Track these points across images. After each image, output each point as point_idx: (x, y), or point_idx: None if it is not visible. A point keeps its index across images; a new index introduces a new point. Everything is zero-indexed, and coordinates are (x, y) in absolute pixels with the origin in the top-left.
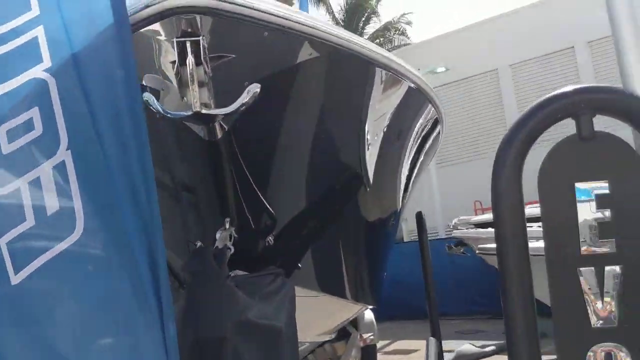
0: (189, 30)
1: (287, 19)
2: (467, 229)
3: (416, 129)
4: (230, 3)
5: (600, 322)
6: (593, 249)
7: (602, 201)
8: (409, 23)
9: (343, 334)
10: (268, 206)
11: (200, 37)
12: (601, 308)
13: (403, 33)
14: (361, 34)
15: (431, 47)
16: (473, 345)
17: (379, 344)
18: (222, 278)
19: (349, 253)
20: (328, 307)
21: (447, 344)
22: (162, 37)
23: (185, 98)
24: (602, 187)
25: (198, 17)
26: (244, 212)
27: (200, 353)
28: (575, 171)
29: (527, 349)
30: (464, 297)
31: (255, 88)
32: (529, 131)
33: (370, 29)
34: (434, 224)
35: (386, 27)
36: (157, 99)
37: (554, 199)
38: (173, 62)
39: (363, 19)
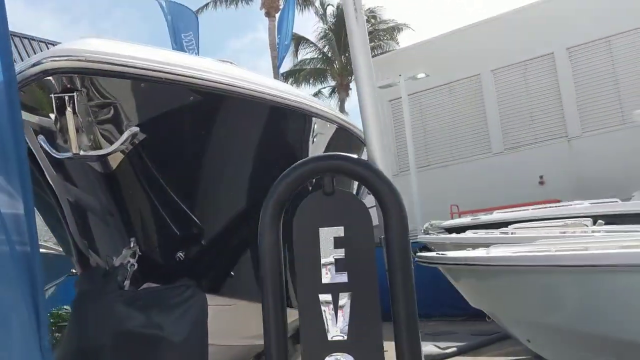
0: (68, 86)
1: (157, 71)
2: (437, 233)
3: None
4: (98, 62)
5: (334, 336)
6: (331, 279)
7: (338, 242)
8: (397, 28)
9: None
10: (172, 226)
11: (75, 93)
12: (335, 325)
13: (392, 38)
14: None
15: (414, 52)
16: (437, 346)
17: None
18: (106, 293)
19: None
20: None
21: None
22: (47, 92)
23: (66, 142)
24: (339, 231)
25: (73, 76)
26: (153, 232)
27: None
28: (320, 219)
29: (277, 354)
30: (442, 300)
31: (134, 130)
32: (286, 186)
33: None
34: (414, 226)
35: (373, 32)
36: (50, 142)
37: (303, 240)
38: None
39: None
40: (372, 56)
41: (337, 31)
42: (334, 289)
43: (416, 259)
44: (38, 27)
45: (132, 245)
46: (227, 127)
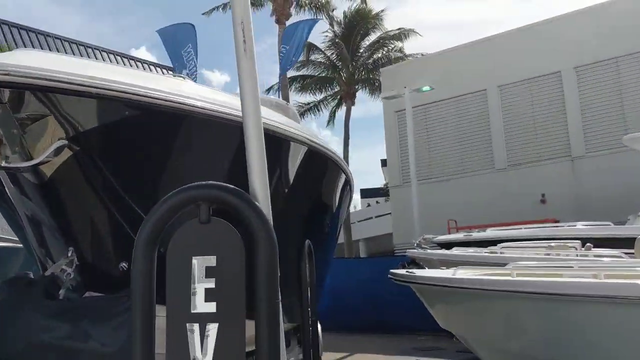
0: None
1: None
2: (430, 248)
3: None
4: (23, 77)
5: None
6: (200, 309)
7: (209, 272)
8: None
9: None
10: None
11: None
12: (201, 356)
13: (400, 49)
14: (358, 48)
15: (421, 64)
16: None
17: (341, 355)
18: (24, 303)
19: None
20: None
21: None
22: None
23: None
24: (211, 260)
25: None
26: (93, 242)
27: None
28: (194, 248)
29: None
30: (430, 314)
31: (61, 143)
32: (161, 214)
33: (367, 41)
34: (412, 239)
35: (380, 41)
36: None
37: (176, 268)
38: None
39: (361, 33)
40: (381, 65)
41: (346, 39)
42: (202, 319)
43: (389, 276)
44: (61, 23)
45: (69, 255)
46: (160, 138)
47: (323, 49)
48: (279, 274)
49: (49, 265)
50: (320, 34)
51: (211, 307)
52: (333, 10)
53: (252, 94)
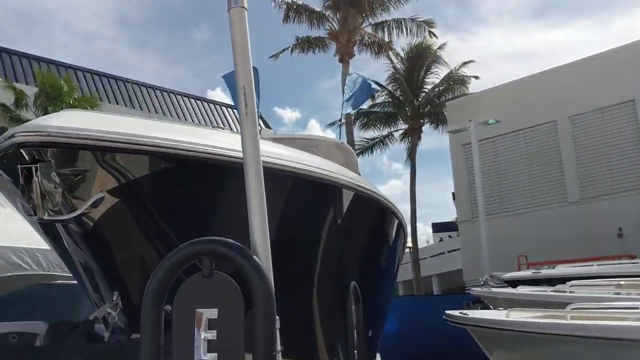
0: (36, 157)
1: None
2: (498, 285)
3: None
4: (61, 137)
5: None
6: (202, 359)
7: (211, 324)
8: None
9: None
10: None
11: (37, 165)
12: None
13: (463, 83)
14: (422, 84)
15: (486, 98)
16: None
17: None
18: (64, 348)
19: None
20: None
21: None
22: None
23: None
24: (213, 312)
25: (40, 149)
26: (136, 286)
27: None
28: (197, 300)
29: None
30: None
31: (99, 196)
32: (167, 268)
33: (433, 77)
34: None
35: (448, 77)
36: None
37: (180, 319)
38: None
39: (424, 68)
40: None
41: (409, 75)
42: None
43: (444, 317)
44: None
45: (114, 299)
46: (189, 186)
47: (386, 84)
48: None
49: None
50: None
51: (213, 357)
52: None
53: (254, 153)
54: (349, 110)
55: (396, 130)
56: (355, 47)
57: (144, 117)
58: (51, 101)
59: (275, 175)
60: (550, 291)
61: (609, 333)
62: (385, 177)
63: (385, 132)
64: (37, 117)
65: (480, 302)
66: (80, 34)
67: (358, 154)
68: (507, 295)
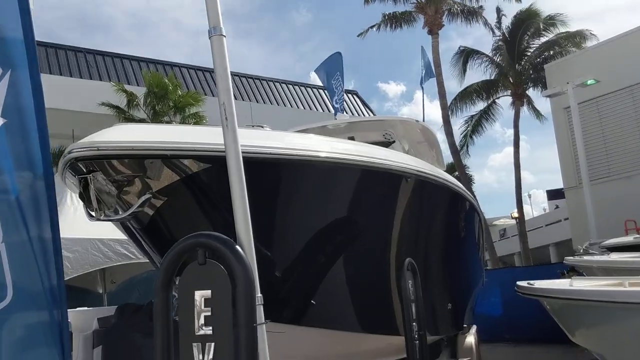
0: (90, 168)
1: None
2: (600, 253)
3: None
4: (108, 150)
5: None
6: (203, 331)
7: (207, 302)
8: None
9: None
10: None
11: (90, 174)
12: None
13: (577, 44)
14: (526, 49)
15: (588, 56)
16: None
17: None
18: (130, 325)
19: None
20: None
21: None
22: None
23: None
24: (208, 293)
25: (90, 161)
26: None
27: None
28: (195, 283)
29: None
30: None
31: (147, 197)
32: (171, 256)
33: (537, 40)
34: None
35: (554, 42)
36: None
37: (184, 300)
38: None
39: (529, 32)
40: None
41: (511, 41)
42: (203, 340)
43: (515, 289)
44: (247, 58)
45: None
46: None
47: (486, 52)
48: None
49: None
50: (482, 38)
51: (208, 330)
52: (501, 15)
53: (236, 158)
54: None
55: (498, 98)
56: (444, 17)
57: (239, 104)
58: (158, 100)
59: (342, 170)
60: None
61: None
62: (500, 144)
63: (487, 102)
64: (147, 115)
65: (574, 271)
66: (189, 31)
67: (464, 132)
68: (600, 264)
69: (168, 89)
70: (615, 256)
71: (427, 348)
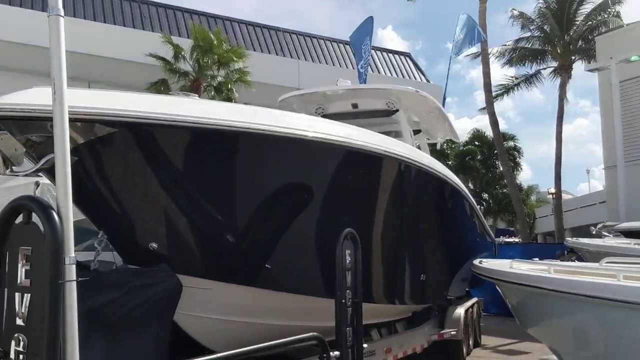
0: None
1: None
2: (613, 235)
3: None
4: (13, 111)
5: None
6: (22, 283)
7: (27, 258)
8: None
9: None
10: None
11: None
12: (19, 315)
13: (617, 15)
14: (574, 17)
15: (630, 32)
16: None
17: (507, 342)
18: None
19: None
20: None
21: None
22: None
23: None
24: (29, 250)
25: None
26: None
27: None
28: (20, 241)
29: None
30: None
31: (49, 157)
32: (3, 217)
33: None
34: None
35: (601, 9)
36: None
37: (10, 256)
38: None
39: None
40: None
41: (560, 8)
42: (22, 290)
43: (471, 267)
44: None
45: (99, 236)
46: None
47: (534, 19)
48: None
49: None
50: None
51: (27, 282)
52: None
53: (61, 125)
54: (453, 55)
55: (544, 69)
56: None
57: (288, 62)
58: (204, 53)
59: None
60: (634, 244)
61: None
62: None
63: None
64: (192, 68)
65: (573, 252)
66: None
67: (500, 93)
68: (590, 247)
69: (213, 44)
70: (611, 241)
71: (361, 315)
